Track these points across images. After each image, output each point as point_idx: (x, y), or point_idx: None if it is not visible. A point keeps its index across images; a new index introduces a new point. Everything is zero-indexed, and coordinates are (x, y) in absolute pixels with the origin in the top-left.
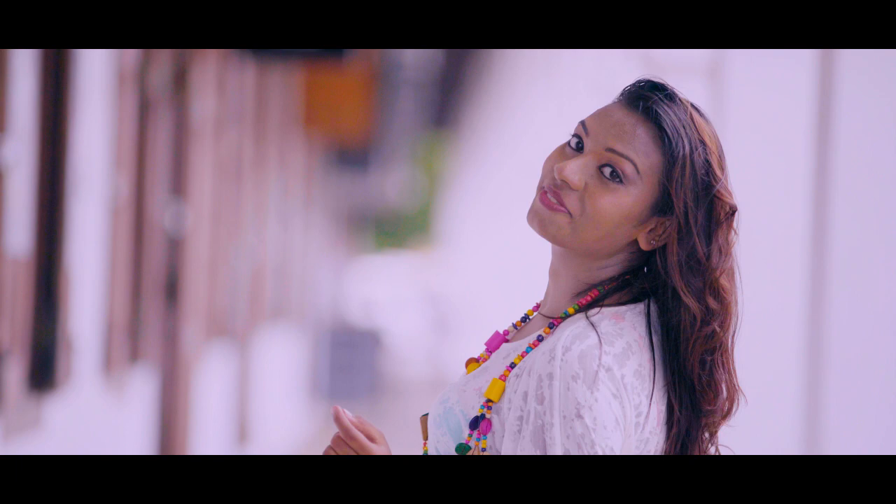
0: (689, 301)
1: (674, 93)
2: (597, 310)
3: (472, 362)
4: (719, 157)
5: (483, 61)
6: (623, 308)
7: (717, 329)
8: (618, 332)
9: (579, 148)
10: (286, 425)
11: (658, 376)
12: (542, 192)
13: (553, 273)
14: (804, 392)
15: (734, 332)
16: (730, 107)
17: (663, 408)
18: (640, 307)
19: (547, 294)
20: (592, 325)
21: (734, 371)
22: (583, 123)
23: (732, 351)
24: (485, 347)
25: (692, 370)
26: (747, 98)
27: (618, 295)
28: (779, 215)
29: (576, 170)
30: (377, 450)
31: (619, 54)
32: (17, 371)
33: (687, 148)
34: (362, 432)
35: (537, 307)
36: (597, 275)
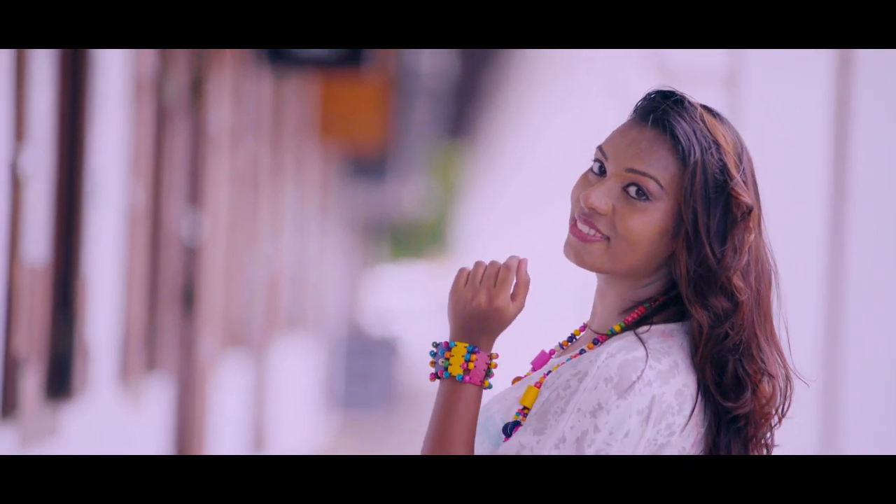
0: (694, 310)
1: (683, 98)
2: (646, 328)
3: (518, 380)
4: (738, 155)
5: (499, 70)
6: (672, 326)
7: (730, 331)
8: (666, 349)
9: (602, 172)
10: (302, 434)
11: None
12: (573, 223)
13: (599, 293)
14: (821, 391)
15: (767, 331)
16: (747, 115)
17: (703, 430)
18: (688, 326)
19: (594, 313)
20: (641, 340)
21: (769, 369)
22: (600, 148)
23: (771, 348)
24: (531, 367)
25: (704, 374)
26: (764, 106)
27: (665, 313)
28: (797, 222)
29: (601, 195)
30: (506, 305)
31: (635, 62)
32: (34, 379)
33: (698, 153)
34: (515, 286)
35: (583, 328)
36: (643, 292)
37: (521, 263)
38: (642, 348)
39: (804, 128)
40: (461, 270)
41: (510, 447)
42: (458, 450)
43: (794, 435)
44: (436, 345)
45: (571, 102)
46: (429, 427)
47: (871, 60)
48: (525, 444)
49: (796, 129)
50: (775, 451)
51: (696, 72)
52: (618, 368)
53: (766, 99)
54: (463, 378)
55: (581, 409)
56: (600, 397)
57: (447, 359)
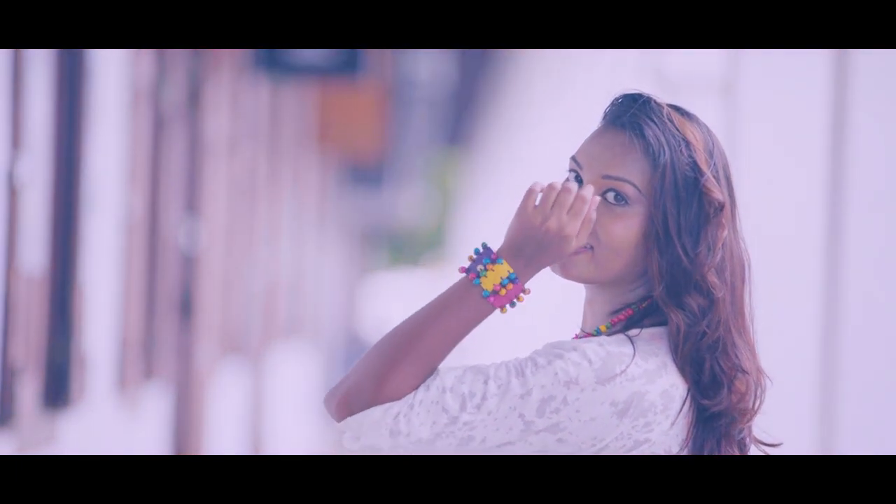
0: (670, 310)
1: (650, 99)
2: (637, 331)
3: None
4: (708, 151)
5: (496, 78)
6: (661, 329)
7: (707, 329)
8: (654, 350)
9: (578, 182)
10: (300, 442)
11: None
12: None
13: (588, 302)
14: (821, 391)
15: (741, 326)
16: (744, 122)
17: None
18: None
19: (584, 321)
20: (630, 339)
21: (743, 365)
22: (574, 158)
23: (744, 344)
24: None
25: (683, 374)
26: (762, 114)
27: (654, 317)
28: (795, 226)
29: None
30: (572, 234)
31: (633, 71)
32: (31, 388)
33: (668, 153)
34: (587, 216)
35: (576, 339)
36: (631, 296)
37: (593, 199)
38: (631, 346)
39: (801, 134)
40: (530, 191)
41: (486, 368)
42: (437, 342)
43: (794, 435)
44: (484, 247)
45: (569, 110)
46: (425, 307)
47: (868, 66)
48: (498, 376)
49: (793, 136)
50: (775, 451)
51: (693, 79)
52: (605, 356)
53: (763, 106)
54: (488, 296)
55: (558, 374)
56: (581, 374)
57: (486, 269)
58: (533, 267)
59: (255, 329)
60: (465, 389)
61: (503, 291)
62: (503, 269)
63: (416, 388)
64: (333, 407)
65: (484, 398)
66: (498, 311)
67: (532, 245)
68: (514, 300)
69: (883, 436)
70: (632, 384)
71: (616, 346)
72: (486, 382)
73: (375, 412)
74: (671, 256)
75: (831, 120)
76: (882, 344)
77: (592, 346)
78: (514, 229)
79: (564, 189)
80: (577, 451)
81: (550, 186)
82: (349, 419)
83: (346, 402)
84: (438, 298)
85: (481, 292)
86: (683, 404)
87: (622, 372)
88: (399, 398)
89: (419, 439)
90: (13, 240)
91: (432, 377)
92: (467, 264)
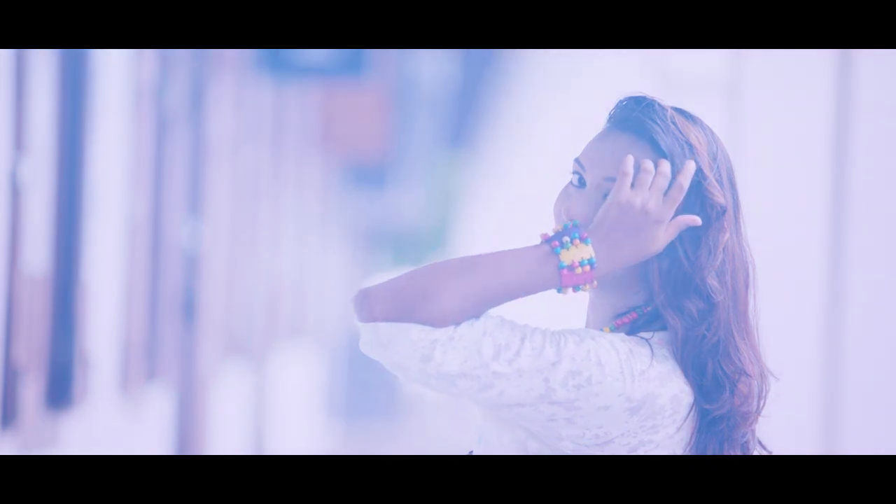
0: (668, 314)
1: (654, 102)
2: (650, 334)
3: None
4: (711, 154)
5: (500, 79)
6: (667, 333)
7: (707, 332)
8: (665, 354)
9: (582, 184)
10: (303, 442)
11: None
12: None
13: (591, 304)
14: (821, 391)
15: (744, 330)
16: (747, 123)
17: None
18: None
19: (588, 324)
20: (648, 342)
21: (746, 369)
22: (577, 160)
23: (747, 347)
24: None
25: (687, 377)
26: (765, 114)
27: (658, 322)
28: (798, 226)
29: (581, 207)
30: (666, 219)
31: (637, 71)
32: (33, 389)
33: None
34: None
35: None
36: (634, 299)
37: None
38: (648, 347)
39: (804, 135)
40: (626, 174)
41: (522, 327)
42: (495, 290)
43: (794, 435)
44: (575, 225)
45: (572, 112)
46: (498, 253)
47: (871, 67)
48: (534, 339)
49: (797, 137)
50: (772, 453)
51: (696, 80)
52: (628, 352)
53: (766, 106)
54: (563, 269)
55: (590, 352)
56: (609, 360)
57: (571, 243)
58: (613, 257)
59: (258, 330)
60: (502, 340)
61: (578, 270)
62: (587, 251)
63: (455, 323)
64: (367, 305)
65: (518, 354)
66: (556, 290)
67: (622, 229)
68: (580, 286)
69: (885, 436)
70: (648, 384)
71: (636, 346)
72: (522, 340)
73: (413, 332)
74: (671, 260)
75: (835, 120)
76: (884, 344)
77: (616, 339)
78: (609, 210)
79: (661, 174)
80: (580, 438)
81: (645, 169)
82: (382, 325)
83: (382, 304)
84: (514, 252)
85: (558, 263)
86: (690, 410)
87: (642, 372)
88: (433, 324)
89: (447, 372)
90: (16, 240)
91: (476, 317)
92: (550, 233)
